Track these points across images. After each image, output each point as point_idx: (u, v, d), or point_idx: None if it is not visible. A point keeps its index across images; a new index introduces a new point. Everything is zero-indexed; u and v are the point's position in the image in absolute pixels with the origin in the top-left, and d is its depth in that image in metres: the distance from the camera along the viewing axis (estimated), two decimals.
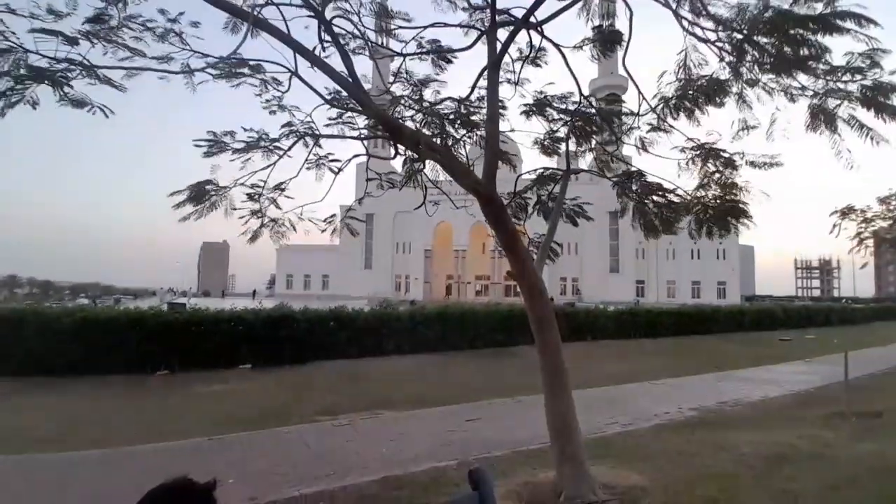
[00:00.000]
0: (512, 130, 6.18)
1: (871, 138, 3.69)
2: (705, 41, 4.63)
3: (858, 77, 3.74)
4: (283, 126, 5.27)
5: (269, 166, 5.24)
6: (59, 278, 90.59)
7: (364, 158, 5.96)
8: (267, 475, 4.96)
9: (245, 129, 4.99)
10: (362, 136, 5.75)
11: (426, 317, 15.32)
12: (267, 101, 5.08)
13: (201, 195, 4.80)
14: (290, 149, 5.30)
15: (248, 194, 5.26)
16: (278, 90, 5.03)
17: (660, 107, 5.36)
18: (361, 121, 5.66)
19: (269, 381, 10.27)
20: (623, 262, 65.79)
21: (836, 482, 4.48)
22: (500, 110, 5.60)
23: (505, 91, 5.58)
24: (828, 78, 4.10)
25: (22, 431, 6.48)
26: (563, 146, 6.30)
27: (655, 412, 7.89)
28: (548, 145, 6.37)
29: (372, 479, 4.75)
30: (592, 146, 6.61)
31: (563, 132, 6.21)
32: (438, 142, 5.52)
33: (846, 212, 11.29)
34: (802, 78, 4.36)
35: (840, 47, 3.89)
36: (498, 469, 4.82)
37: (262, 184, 5.33)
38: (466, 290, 65.52)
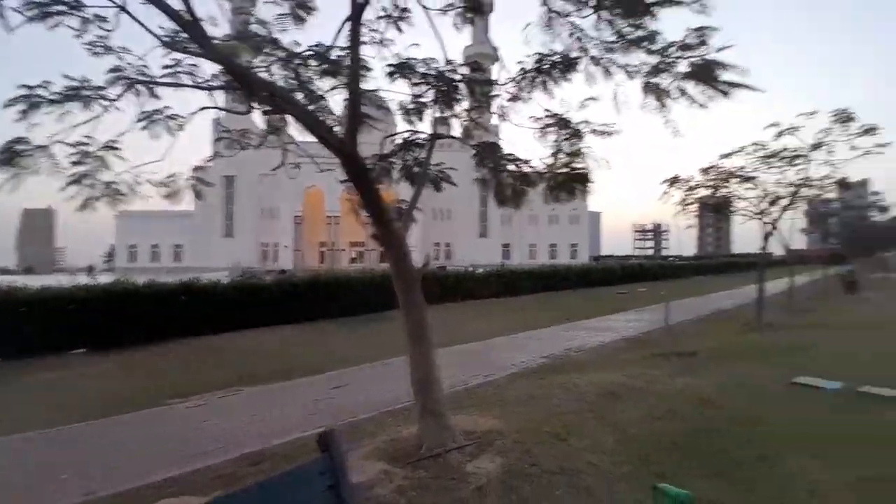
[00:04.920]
0: (376, 91, 6.02)
1: (699, 104, 4.26)
2: (559, 14, 4.89)
3: (688, 53, 4.25)
4: (109, 71, 4.46)
5: (91, 119, 4.42)
6: None
7: (217, 114, 5.33)
8: (108, 467, 4.43)
9: (66, 77, 4.14)
10: (207, 85, 5.12)
11: (296, 286, 14.69)
12: (90, 42, 4.24)
13: (12, 157, 3.93)
14: (118, 98, 4.52)
15: (72, 154, 4.40)
16: (104, 28, 4.22)
17: (519, 78, 5.60)
18: (211, 69, 5.02)
19: (109, 365, 9.06)
20: (491, 227, 69.77)
21: (659, 413, 5.28)
22: (366, 70, 5.39)
23: (372, 52, 5.37)
24: (663, 55, 4.62)
25: None
26: (428, 111, 6.30)
27: (513, 362, 8.63)
28: (412, 110, 6.33)
29: (229, 458, 4.50)
30: (457, 113, 6.72)
31: (429, 96, 6.20)
32: (301, 97, 5.16)
33: (673, 181, 13.02)
34: (640, 57, 4.86)
35: (675, 28, 4.35)
36: (366, 430, 4.87)
37: (87, 141, 4.49)
38: (341, 258, 64.14)
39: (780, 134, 11.71)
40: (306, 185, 57.72)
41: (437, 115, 6.35)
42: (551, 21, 4.66)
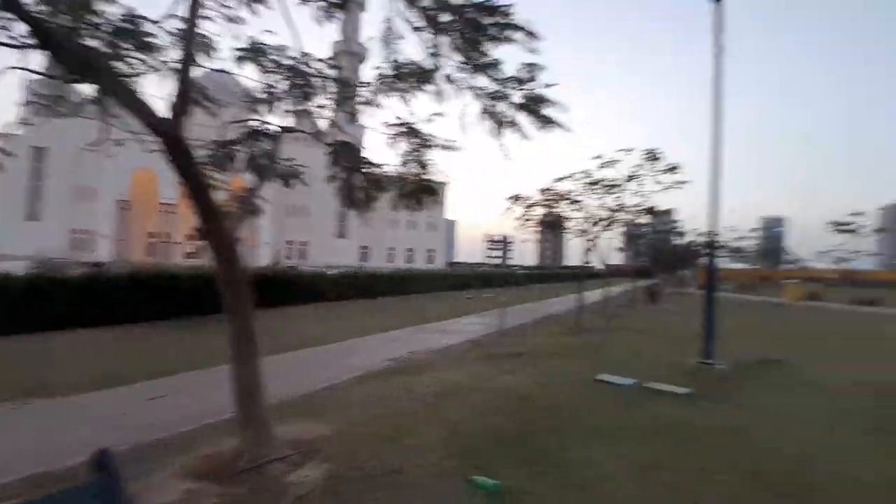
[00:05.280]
0: (220, 71, 5.55)
1: (524, 135, 4.72)
2: (414, 28, 5.03)
3: (519, 85, 4.68)
4: None
5: None
6: None
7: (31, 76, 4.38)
8: None
9: None
10: (20, 43, 4.18)
11: (111, 282, 12.70)
12: None
13: None
14: None
15: None
16: None
17: (377, 82, 5.62)
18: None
19: None
20: (350, 228, 68.66)
21: (485, 409, 5.70)
22: (209, 48, 4.92)
23: (220, 29, 4.92)
24: (500, 83, 5.03)
25: None
26: (280, 102, 6.00)
27: (360, 365, 8.56)
28: (262, 98, 5.97)
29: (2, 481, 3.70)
30: (310, 108, 6.50)
31: (282, 87, 5.91)
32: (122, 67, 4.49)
33: (515, 198, 14.25)
34: (485, 82, 5.23)
35: (512, 61, 4.76)
36: (181, 446, 4.40)
37: None
38: (174, 252, 57.20)
39: (602, 165, 13.58)
40: (134, 167, 50.28)
41: (290, 107, 6.09)
42: (390, 35, 4.78)
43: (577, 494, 3.62)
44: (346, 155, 6.33)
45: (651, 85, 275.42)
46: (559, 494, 3.62)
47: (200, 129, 5.65)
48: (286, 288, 17.39)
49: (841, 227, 34.52)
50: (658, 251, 44.17)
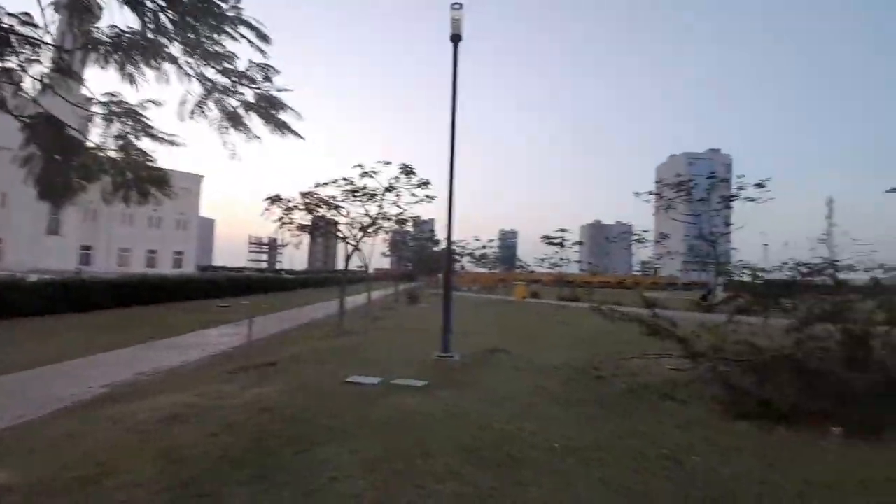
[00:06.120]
0: None
1: (252, 135, 4.48)
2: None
3: (251, 84, 4.44)
4: None
5: None
6: None
7: None
8: None
9: None
10: None
11: None
12: None
13: None
14: None
15: None
16: None
17: (78, 45, 4.63)
18: None
19: None
20: (66, 223, 54.60)
21: (218, 429, 5.13)
22: None
23: None
24: (231, 78, 4.69)
25: None
26: None
27: (60, 396, 6.88)
28: None
29: None
30: None
31: None
32: None
33: (274, 199, 13.59)
34: (212, 73, 4.81)
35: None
36: None
37: None
38: None
39: (363, 174, 14.08)
40: None
41: None
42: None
43: (311, 499, 3.60)
44: (46, 132, 5.06)
45: (405, 101, 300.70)
46: (296, 503, 3.55)
47: None
48: None
49: (551, 240, 43.85)
50: (420, 257, 48.25)
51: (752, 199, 28.33)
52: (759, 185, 27.80)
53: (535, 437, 5.06)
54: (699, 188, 31.46)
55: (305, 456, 4.38)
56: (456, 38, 9.48)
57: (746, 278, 8.35)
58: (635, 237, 53.43)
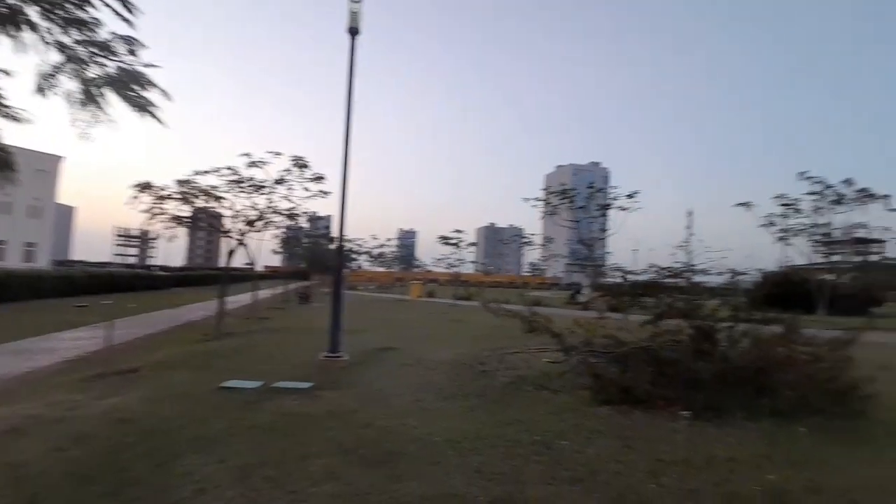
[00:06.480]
0: None
1: (104, 114, 4.00)
2: None
3: (112, 56, 3.96)
4: None
5: None
6: None
7: None
8: None
9: None
10: None
11: None
12: None
13: None
14: None
15: None
16: None
17: None
18: None
19: None
20: None
21: (66, 443, 4.54)
22: None
23: None
24: (91, 50, 4.14)
25: None
26: None
27: None
28: None
29: None
30: None
31: None
32: None
33: (144, 186, 12.25)
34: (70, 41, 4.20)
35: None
36: None
37: None
38: None
39: (250, 164, 13.23)
40: None
41: None
42: None
43: None
44: None
45: (304, 101, 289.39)
46: None
47: None
48: None
49: (447, 241, 44.81)
50: (314, 254, 46.52)
51: (624, 209, 31.46)
52: (630, 196, 30.93)
53: (417, 431, 5.12)
54: (580, 197, 34.17)
55: (166, 468, 4.00)
56: (353, 31, 9.30)
57: (619, 279, 9.25)
58: (525, 240, 56.60)
